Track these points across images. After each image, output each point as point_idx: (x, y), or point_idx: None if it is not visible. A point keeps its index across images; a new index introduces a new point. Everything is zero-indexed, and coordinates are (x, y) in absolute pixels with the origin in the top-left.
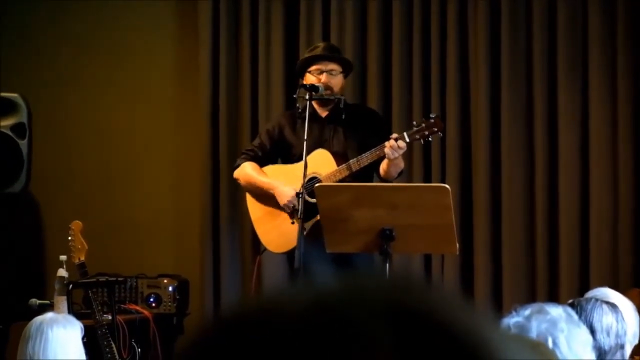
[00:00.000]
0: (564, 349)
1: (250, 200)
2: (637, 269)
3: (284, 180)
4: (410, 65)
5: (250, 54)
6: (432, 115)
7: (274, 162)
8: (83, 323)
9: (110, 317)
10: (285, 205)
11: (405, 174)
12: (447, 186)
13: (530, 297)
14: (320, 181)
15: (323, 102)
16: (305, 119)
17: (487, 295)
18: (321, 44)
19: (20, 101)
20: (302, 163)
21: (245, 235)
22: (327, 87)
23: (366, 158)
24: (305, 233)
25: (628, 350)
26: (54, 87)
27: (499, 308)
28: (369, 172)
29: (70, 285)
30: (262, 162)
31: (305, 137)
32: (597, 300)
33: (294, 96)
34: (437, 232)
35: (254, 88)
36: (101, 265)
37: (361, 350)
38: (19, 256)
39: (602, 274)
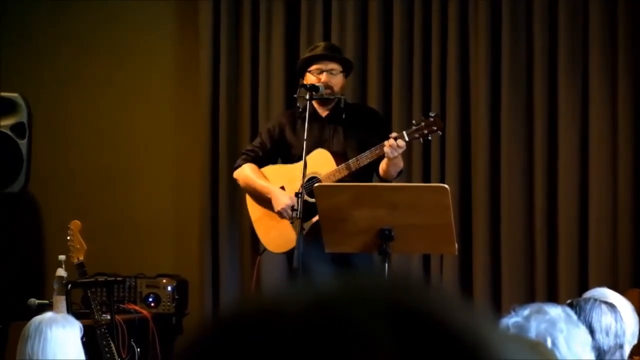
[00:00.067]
0: (563, 349)
1: (250, 201)
2: (636, 269)
3: (283, 180)
4: (410, 65)
5: (250, 54)
6: (431, 114)
7: (274, 162)
8: (82, 323)
9: (109, 317)
10: (279, 212)
11: (405, 174)
12: (446, 186)
13: (529, 297)
14: (319, 181)
15: (323, 102)
16: (305, 119)
17: (486, 295)
18: (321, 44)
19: (20, 101)
20: (301, 163)
21: (245, 236)
22: (328, 86)
23: (365, 157)
24: (304, 233)
25: (627, 350)
26: (54, 87)
27: (498, 308)
28: (369, 171)
29: (69, 285)
30: (262, 162)
31: (305, 137)
32: (596, 300)
33: (294, 96)
34: (436, 232)
35: (254, 88)
36: (100, 265)
37: (361, 350)
38: (18, 256)
39: (601, 274)
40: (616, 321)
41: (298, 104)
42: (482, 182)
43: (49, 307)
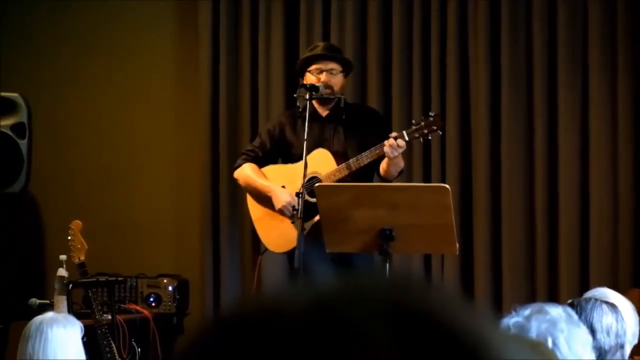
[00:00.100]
0: (563, 349)
1: (250, 201)
2: (637, 269)
3: (284, 180)
4: (410, 65)
5: (250, 54)
6: (431, 114)
7: (275, 161)
8: (83, 323)
9: (110, 317)
10: (280, 210)
11: (405, 174)
12: (447, 186)
13: (530, 297)
14: (320, 181)
15: (323, 102)
16: (305, 119)
17: (487, 295)
18: (321, 44)
19: (20, 101)
20: (302, 163)
21: (245, 235)
22: (327, 86)
23: (366, 157)
24: (305, 233)
25: (628, 350)
26: (54, 87)
27: (499, 308)
28: (369, 171)
29: (70, 285)
30: (262, 162)
31: (306, 137)
32: (596, 300)
33: (294, 96)
34: (437, 232)
35: (254, 88)
36: (101, 265)
37: (361, 350)
38: (19, 256)
39: (601, 274)
40: (617, 321)
41: (298, 104)
42: (483, 182)
43: (49, 307)
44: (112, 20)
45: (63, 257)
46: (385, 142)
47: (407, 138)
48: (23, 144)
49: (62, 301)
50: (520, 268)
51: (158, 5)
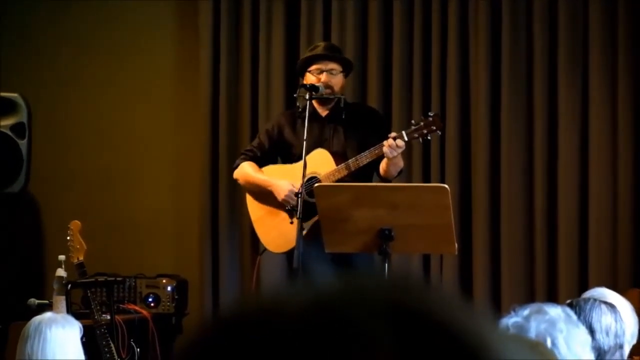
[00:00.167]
0: (562, 349)
1: (250, 200)
2: (636, 269)
3: (283, 179)
4: (410, 65)
5: (250, 54)
6: (430, 114)
7: (274, 162)
8: (82, 323)
9: (109, 317)
10: (283, 200)
11: (405, 174)
12: (446, 186)
13: (529, 297)
14: (319, 181)
15: (323, 102)
16: (305, 119)
17: (486, 295)
18: (321, 44)
19: (20, 101)
20: (301, 163)
21: (245, 236)
22: (327, 86)
23: (365, 157)
24: (304, 233)
25: (626, 350)
26: (54, 87)
27: (498, 308)
28: (369, 171)
29: (69, 285)
30: (261, 162)
31: (305, 137)
32: (595, 300)
33: (294, 95)
34: (436, 232)
35: (254, 88)
36: (100, 265)
37: (361, 350)
38: (18, 256)
39: (601, 274)
40: (616, 321)
41: (298, 104)
42: (482, 182)
43: (48, 307)
44: (112, 20)
45: (62, 257)
46: (385, 143)
47: (406, 138)
48: (23, 144)
49: (61, 301)
50: (519, 268)
51: (158, 5)
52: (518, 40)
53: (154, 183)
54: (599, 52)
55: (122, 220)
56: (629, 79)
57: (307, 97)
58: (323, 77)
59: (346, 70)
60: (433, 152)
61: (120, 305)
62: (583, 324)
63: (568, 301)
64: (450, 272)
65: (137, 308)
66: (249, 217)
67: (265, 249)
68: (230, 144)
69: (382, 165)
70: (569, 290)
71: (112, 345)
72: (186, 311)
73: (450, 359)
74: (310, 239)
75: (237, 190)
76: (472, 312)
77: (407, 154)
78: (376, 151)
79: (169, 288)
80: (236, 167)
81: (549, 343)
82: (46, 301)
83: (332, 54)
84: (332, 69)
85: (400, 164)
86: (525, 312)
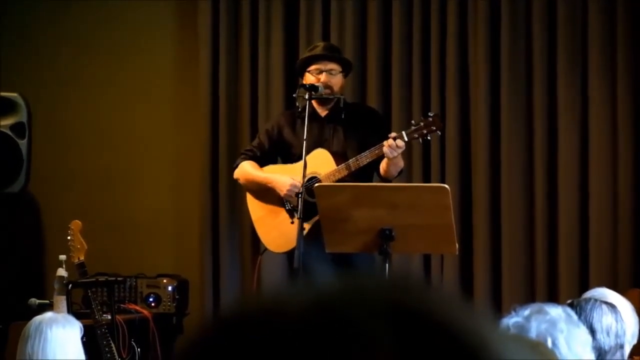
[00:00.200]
0: (563, 349)
1: (250, 200)
2: (636, 269)
3: None
4: (410, 65)
5: (250, 54)
6: (430, 114)
7: (274, 161)
8: (82, 323)
9: (109, 317)
10: (286, 195)
11: (405, 174)
12: (446, 186)
13: (530, 297)
14: (319, 181)
15: (323, 102)
16: (304, 119)
17: (486, 295)
18: (321, 44)
19: (20, 101)
20: (301, 163)
21: (245, 235)
22: (327, 86)
23: (365, 157)
24: (304, 233)
25: (627, 350)
26: (54, 87)
27: (499, 308)
28: (369, 171)
29: (70, 285)
30: (261, 162)
31: (305, 137)
32: (596, 300)
33: (294, 96)
34: (436, 232)
35: (254, 88)
36: (101, 265)
37: (361, 350)
38: (19, 256)
39: (601, 274)
40: (617, 321)
41: (297, 104)
42: (482, 182)
43: (49, 307)
44: (112, 20)
45: (62, 257)
46: (385, 143)
47: (406, 138)
48: (23, 143)
49: (61, 301)
50: (520, 268)
51: (158, 5)
52: (517, 41)
53: (154, 183)
54: (598, 52)
55: (122, 220)
56: (629, 79)
57: (307, 97)
58: (322, 77)
59: (345, 71)
60: (433, 152)
61: (121, 305)
62: (584, 324)
63: (569, 301)
64: (450, 272)
65: (137, 308)
66: (250, 217)
67: (265, 249)
68: (230, 143)
69: (382, 165)
70: (569, 290)
71: (112, 345)
72: (187, 311)
73: (451, 359)
74: (310, 239)
75: (237, 190)
76: (473, 312)
77: (407, 154)
78: (376, 151)
79: (169, 288)
80: (236, 167)
81: (549, 343)
82: (47, 301)
83: (331, 54)
84: (331, 69)
85: (401, 164)
86: (526, 312)
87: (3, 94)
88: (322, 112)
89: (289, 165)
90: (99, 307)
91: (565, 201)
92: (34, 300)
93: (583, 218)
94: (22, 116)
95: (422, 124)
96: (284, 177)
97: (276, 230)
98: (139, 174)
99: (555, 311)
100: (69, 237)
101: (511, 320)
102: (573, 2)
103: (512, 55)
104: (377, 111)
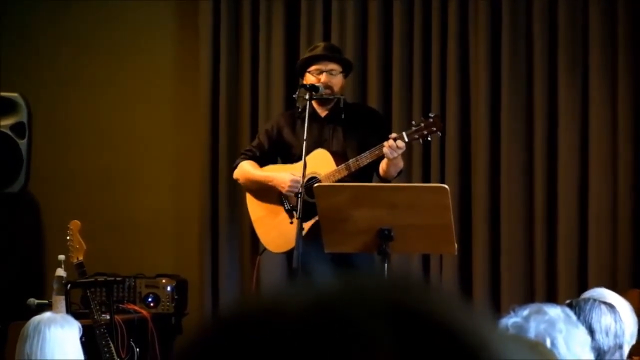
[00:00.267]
0: (562, 350)
1: (250, 200)
2: (636, 270)
3: None
4: (410, 65)
5: (250, 54)
6: (431, 115)
7: (274, 162)
8: (81, 323)
9: (108, 317)
10: (288, 190)
11: (405, 174)
12: (446, 186)
13: (529, 298)
14: (319, 181)
15: (323, 102)
16: (304, 119)
17: (485, 295)
18: (321, 44)
19: (20, 101)
20: (301, 163)
21: (245, 236)
22: (327, 86)
23: (365, 158)
24: (304, 233)
25: (626, 350)
26: (54, 87)
27: (498, 308)
28: (369, 171)
29: (69, 285)
30: (260, 162)
31: (305, 137)
32: (595, 300)
33: (294, 96)
34: (435, 232)
35: (254, 88)
36: (100, 265)
37: (361, 350)
38: (18, 256)
39: (600, 274)
40: (616, 321)
41: (298, 104)
42: (482, 182)
43: (48, 307)
44: (112, 20)
45: (62, 257)
46: (385, 143)
47: (406, 139)
48: (23, 143)
49: (60, 301)
50: (519, 268)
51: (158, 5)
52: (518, 41)
53: (154, 183)
54: (598, 52)
55: (122, 220)
56: (629, 79)
57: (307, 97)
58: (323, 77)
59: (346, 71)
60: (433, 152)
61: (120, 305)
62: (582, 324)
63: (567, 301)
64: (450, 272)
65: (136, 308)
66: (249, 217)
67: (265, 249)
68: (230, 144)
69: (382, 166)
70: (568, 290)
71: (111, 345)
72: (186, 311)
73: (450, 359)
74: (310, 239)
75: (237, 190)
76: (472, 312)
77: (407, 154)
78: (376, 152)
79: (168, 288)
80: (236, 167)
81: (548, 343)
82: (46, 301)
83: (331, 54)
84: (331, 70)
85: (400, 164)
86: (525, 312)
87: (3, 94)
88: (322, 112)
89: (289, 165)
90: (97, 307)
91: (565, 201)
92: (33, 300)
93: (582, 218)
94: (22, 116)
95: (422, 124)
96: (283, 173)
97: (275, 230)
98: (139, 174)
99: (554, 311)
100: (68, 237)
101: (510, 321)
102: (574, 3)
103: (513, 55)
104: (378, 111)
